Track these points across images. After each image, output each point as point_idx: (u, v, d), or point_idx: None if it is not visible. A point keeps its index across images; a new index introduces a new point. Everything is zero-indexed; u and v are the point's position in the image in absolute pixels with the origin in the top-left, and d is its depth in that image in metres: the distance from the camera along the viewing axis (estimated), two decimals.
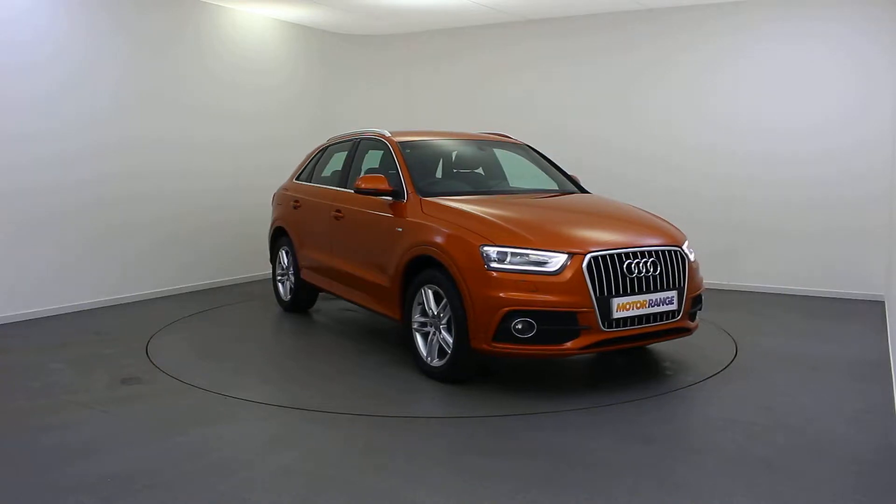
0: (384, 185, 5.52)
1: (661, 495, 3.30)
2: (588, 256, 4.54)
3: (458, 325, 4.69)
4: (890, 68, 7.34)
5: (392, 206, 5.48)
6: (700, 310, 5.21)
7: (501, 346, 4.56)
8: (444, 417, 4.34)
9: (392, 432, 4.10)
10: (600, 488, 3.37)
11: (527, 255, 4.58)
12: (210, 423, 4.21)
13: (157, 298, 7.64)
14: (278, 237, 7.31)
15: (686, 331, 5.05)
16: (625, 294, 4.59)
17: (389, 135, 6.06)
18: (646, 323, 4.69)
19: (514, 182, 6.31)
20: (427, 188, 5.54)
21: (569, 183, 6.16)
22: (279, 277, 7.32)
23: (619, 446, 3.87)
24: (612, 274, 4.56)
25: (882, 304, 7.33)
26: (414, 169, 5.69)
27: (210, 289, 8.22)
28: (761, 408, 4.43)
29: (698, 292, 5.11)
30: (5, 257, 6.47)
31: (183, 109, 7.91)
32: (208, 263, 8.30)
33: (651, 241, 4.85)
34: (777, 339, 6.07)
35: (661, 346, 5.64)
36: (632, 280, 4.62)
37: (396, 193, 5.51)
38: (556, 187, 6.08)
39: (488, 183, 6.16)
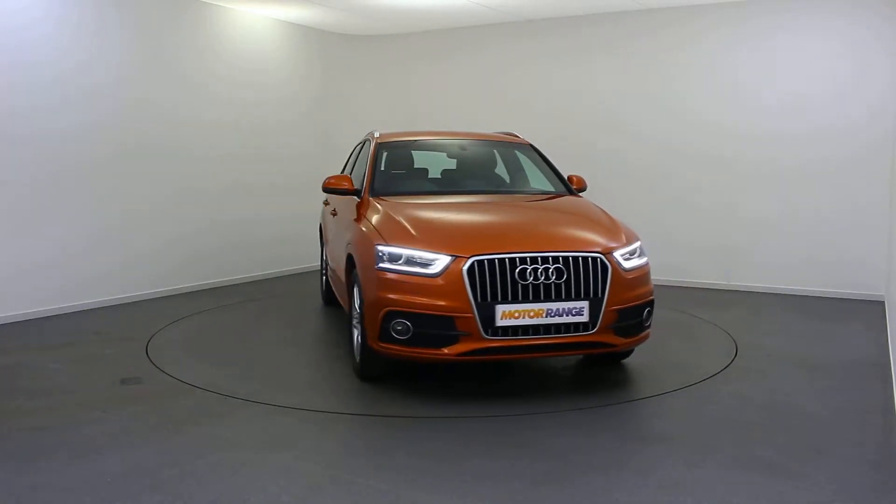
0: (347, 185, 5.58)
1: (661, 495, 3.30)
2: (471, 260, 4.32)
3: (361, 323, 4.75)
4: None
5: (356, 206, 5.51)
6: (643, 323, 4.73)
7: (385, 347, 4.53)
8: (444, 418, 4.33)
9: (393, 432, 4.11)
10: (600, 488, 3.37)
11: (416, 256, 4.47)
12: (210, 423, 4.21)
13: (157, 298, 7.63)
14: (321, 235, 7.64)
15: (608, 346, 4.55)
16: (514, 301, 4.31)
17: (378, 136, 6.10)
18: (544, 333, 4.37)
19: (504, 183, 6.19)
20: (382, 188, 5.53)
21: (560, 184, 5.92)
22: (323, 272, 7.62)
23: (618, 446, 3.87)
24: (498, 279, 4.31)
25: (882, 304, 7.33)
26: (383, 169, 5.71)
27: (210, 288, 8.22)
28: (761, 408, 4.43)
29: (634, 304, 4.59)
30: (5, 256, 6.47)
31: (183, 110, 7.90)
32: (209, 263, 8.29)
33: (560, 247, 4.45)
34: (777, 339, 6.07)
35: (660, 348, 5.63)
36: (525, 287, 4.32)
37: (359, 192, 5.55)
38: (550, 189, 5.86)
39: (463, 183, 5.96)
